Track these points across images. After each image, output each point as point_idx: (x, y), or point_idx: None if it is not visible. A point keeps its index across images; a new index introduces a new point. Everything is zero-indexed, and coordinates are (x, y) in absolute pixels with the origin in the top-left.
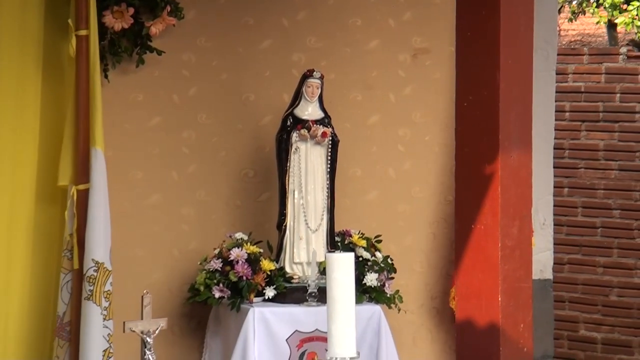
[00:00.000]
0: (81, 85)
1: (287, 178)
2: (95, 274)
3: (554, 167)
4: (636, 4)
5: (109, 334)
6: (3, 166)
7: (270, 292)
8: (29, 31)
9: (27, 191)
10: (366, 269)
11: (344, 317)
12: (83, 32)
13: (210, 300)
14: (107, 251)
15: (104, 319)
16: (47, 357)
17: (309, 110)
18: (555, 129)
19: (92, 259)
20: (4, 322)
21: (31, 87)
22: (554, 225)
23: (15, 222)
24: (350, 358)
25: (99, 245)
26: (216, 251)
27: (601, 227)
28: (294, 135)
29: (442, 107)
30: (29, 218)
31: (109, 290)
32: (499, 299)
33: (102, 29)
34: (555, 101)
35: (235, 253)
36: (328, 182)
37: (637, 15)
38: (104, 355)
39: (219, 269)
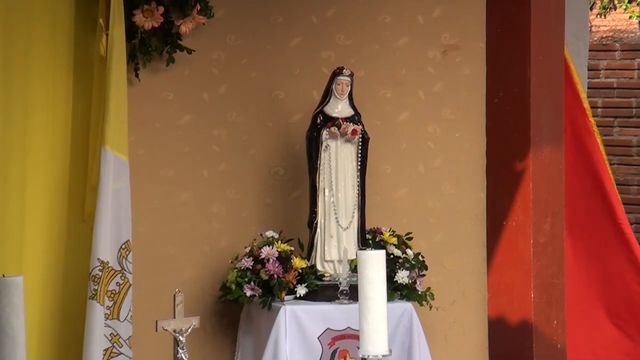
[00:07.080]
0: None
1: (317, 176)
2: (100, 273)
3: None
4: None
5: (112, 333)
6: (36, 164)
7: (301, 290)
8: (59, 30)
9: (59, 189)
10: (397, 267)
11: (376, 314)
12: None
13: (242, 299)
14: (115, 251)
15: (107, 318)
16: (76, 357)
17: (339, 108)
18: None
19: (98, 259)
20: (30, 321)
21: (63, 85)
22: None
23: (37, 219)
24: (383, 355)
25: (105, 244)
26: (247, 249)
27: (635, 223)
28: (324, 133)
29: (472, 104)
30: (56, 216)
31: (113, 289)
32: (532, 295)
33: (133, 27)
34: (588, 97)
35: (266, 251)
36: (358, 179)
37: None
38: (104, 355)
39: (250, 267)
